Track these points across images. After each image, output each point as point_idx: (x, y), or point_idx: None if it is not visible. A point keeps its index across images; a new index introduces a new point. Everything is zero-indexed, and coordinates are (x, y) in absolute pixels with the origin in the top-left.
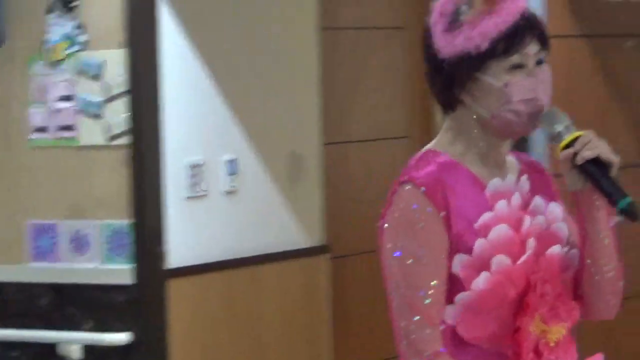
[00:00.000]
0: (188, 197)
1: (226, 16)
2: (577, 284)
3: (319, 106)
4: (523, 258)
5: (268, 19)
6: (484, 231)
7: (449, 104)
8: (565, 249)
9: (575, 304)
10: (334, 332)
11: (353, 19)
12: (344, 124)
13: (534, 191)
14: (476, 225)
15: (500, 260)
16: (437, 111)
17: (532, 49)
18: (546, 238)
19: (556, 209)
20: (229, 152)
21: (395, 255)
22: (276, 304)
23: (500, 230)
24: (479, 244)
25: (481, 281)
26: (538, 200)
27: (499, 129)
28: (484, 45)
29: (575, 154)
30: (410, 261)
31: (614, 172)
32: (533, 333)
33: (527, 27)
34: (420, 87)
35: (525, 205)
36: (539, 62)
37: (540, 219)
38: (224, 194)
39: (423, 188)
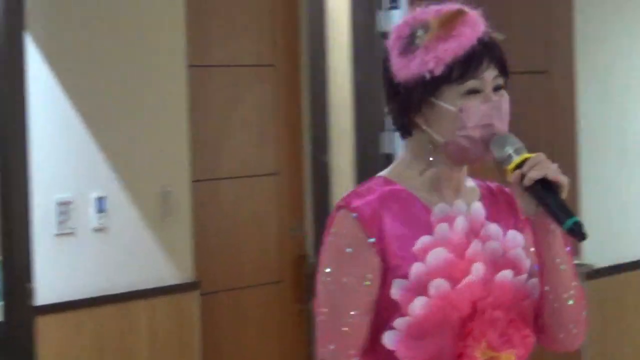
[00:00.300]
0: (56, 234)
1: (95, 54)
2: (539, 313)
3: (188, 143)
4: (464, 282)
5: (137, 57)
6: (422, 255)
7: (405, 129)
8: (523, 276)
9: (530, 332)
10: None
11: (222, 57)
12: (214, 161)
13: (492, 218)
14: (414, 249)
15: (439, 285)
16: (307, 147)
17: (489, 74)
18: (501, 264)
19: (516, 237)
20: (97, 190)
21: (322, 279)
22: (147, 340)
23: (438, 254)
24: (415, 268)
25: (418, 306)
26: (493, 227)
27: (453, 155)
28: (439, 69)
29: (523, 176)
30: (333, 287)
31: (564, 193)
32: (479, 359)
33: (484, 53)
34: (290, 123)
35: (475, 231)
36: (497, 88)
37: (493, 244)
38: (93, 231)
39: (355, 214)
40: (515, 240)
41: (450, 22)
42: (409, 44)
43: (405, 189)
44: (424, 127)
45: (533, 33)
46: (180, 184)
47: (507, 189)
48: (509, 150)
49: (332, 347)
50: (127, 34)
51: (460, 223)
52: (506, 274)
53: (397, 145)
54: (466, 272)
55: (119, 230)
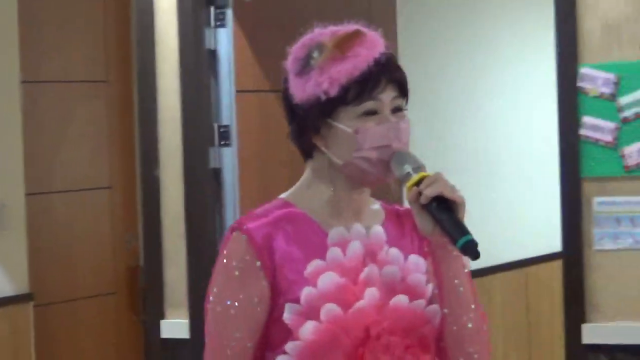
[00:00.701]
0: None
1: None
2: (440, 336)
3: (22, 158)
4: (355, 307)
5: None
6: (314, 279)
7: (305, 150)
8: (421, 302)
9: (430, 358)
10: None
11: (55, 72)
12: (48, 175)
13: (394, 241)
14: (306, 273)
15: (330, 309)
16: (138, 162)
17: (387, 95)
18: (399, 289)
19: (418, 261)
20: None
21: (210, 300)
22: None
23: (329, 278)
24: (306, 292)
25: (309, 330)
26: (393, 251)
27: (352, 176)
28: (333, 91)
29: (420, 194)
30: (219, 309)
31: (461, 212)
32: None
33: (381, 74)
34: (123, 138)
35: (372, 255)
36: (397, 110)
37: (391, 269)
38: None
39: (245, 236)
40: (417, 265)
41: (345, 43)
42: (305, 65)
43: (303, 212)
44: (323, 149)
45: None
46: (14, 197)
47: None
48: (408, 168)
49: None
50: None
51: (354, 247)
52: (401, 299)
53: (226, 160)
54: (359, 297)
55: None
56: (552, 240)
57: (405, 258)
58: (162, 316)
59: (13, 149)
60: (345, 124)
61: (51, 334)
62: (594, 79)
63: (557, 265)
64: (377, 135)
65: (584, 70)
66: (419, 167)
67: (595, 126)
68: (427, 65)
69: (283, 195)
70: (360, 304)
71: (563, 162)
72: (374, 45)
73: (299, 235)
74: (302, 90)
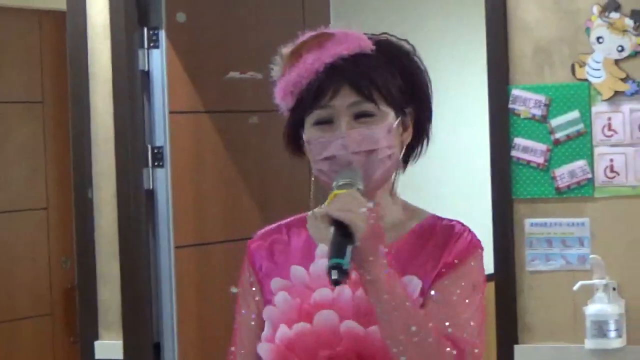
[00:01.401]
0: None
1: None
2: None
3: None
4: (296, 328)
5: None
6: (271, 296)
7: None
8: (375, 327)
9: None
10: None
11: None
12: None
13: (399, 262)
14: (272, 287)
15: (281, 330)
16: (72, 183)
17: (341, 101)
18: (370, 313)
19: (410, 283)
20: None
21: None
22: None
23: (282, 298)
24: (266, 310)
25: (264, 350)
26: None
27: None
28: (288, 102)
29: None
30: (235, 323)
31: (356, 233)
32: None
33: (330, 79)
34: (59, 159)
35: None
36: (362, 115)
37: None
38: None
39: (247, 252)
40: (409, 287)
41: (297, 51)
42: (274, 76)
43: (307, 228)
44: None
45: None
46: None
47: (458, 229)
48: (339, 182)
49: None
50: None
51: (317, 266)
52: (350, 324)
53: (159, 181)
54: (307, 319)
55: None
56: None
57: (402, 278)
58: (96, 337)
59: None
60: (305, 133)
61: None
62: (526, 100)
63: (490, 287)
64: (321, 146)
65: (515, 91)
66: (347, 184)
67: (527, 148)
68: None
69: (310, 212)
70: (299, 326)
71: (495, 183)
72: (334, 47)
73: (289, 250)
74: (277, 101)
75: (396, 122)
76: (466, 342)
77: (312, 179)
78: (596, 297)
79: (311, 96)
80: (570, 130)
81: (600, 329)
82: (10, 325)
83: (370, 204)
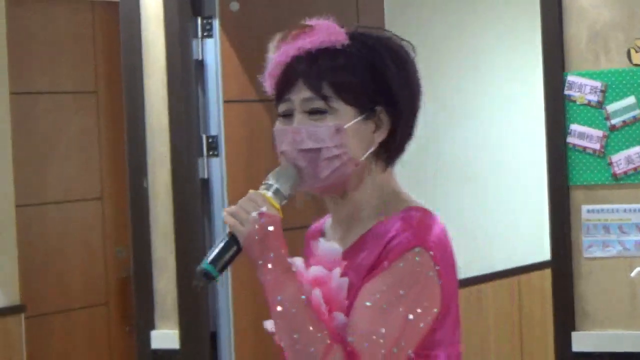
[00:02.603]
0: None
1: None
2: None
3: (11, 169)
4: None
5: None
6: None
7: None
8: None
9: None
10: None
11: (45, 84)
12: (39, 186)
13: (351, 259)
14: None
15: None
16: (127, 173)
17: (296, 95)
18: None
19: (341, 283)
20: None
21: None
22: None
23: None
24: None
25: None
26: (335, 275)
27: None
28: (269, 90)
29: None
30: None
31: (239, 238)
32: None
33: (291, 73)
34: (113, 149)
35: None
36: (313, 112)
37: (316, 291)
38: None
39: (306, 235)
40: (338, 288)
41: (279, 42)
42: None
43: (323, 222)
44: None
45: None
46: (4, 208)
47: (397, 228)
48: (266, 181)
49: None
50: None
51: (330, 251)
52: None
53: (214, 170)
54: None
55: None
56: (543, 248)
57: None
58: (152, 327)
59: (2, 161)
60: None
61: (43, 345)
62: (581, 86)
63: (549, 273)
64: (278, 139)
65: (571, 78)
66: (267, 185)
67: (583, 134)
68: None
69: None
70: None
71: (551, 170)
72: (308, 40)
73: (311, 244)
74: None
75: (354, 121)
76: (364, 352)
77: None
78: None
79: (277, 87)
80: (627, 116)
81: None
82: (65, 315)
83: (264, 208)
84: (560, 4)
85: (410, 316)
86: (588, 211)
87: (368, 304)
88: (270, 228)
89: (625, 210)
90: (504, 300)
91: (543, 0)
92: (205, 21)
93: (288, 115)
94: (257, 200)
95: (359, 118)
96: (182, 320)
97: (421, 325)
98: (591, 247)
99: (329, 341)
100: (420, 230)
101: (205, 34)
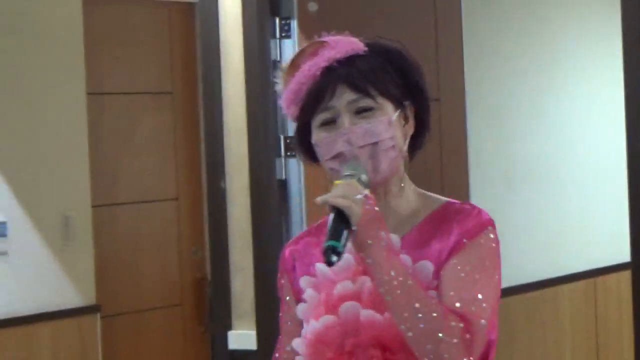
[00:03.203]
0: None
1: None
2: None
3: (88, 169)
4: (322, 321)
5: (37, 84)
6: (303, 294)
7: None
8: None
9: None
10: None
11: (121, 84)
12: (114, 187)
13: (415, 247)
14: (301, 285)
15: (311, 324)
16: (204, 173)
17: (340, 101)
18: (382, 301)
19: (424, 267)
20: None
21: None
22: None
23: (309, 294)
24: (299, 308)
25: (297, 344)
26: (402, 258)
27: None
28: (292, 111)
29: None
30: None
31: (352, 218)
32: None
33: (328, 81)
34: (189, 149)
35: (363, 267)
36: (362, 111)
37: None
38: None
39: (285, 251)
40: (423, 272)
41: (294, 63)
42: (278, 90)
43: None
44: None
45: (425, 63)
46: (80, 209)
47: (467, 209)
48: (345, 172)
49: None
50: (27, 62)
51: (343, 261)
52: (368, 313)
53: (292, 171)
54: (332, 311)
55: (20, 255)
56: (621, 250)
57: (416, 264)
58: (229, 327)
59: (79, 161)
60: (313, 136)
61: (118, 344)
62: None
63: (626, 275)
64: (328, 145)
65: None
66: (350, 175)
67: None
68: (492, 68)
69: None
70: (325, 318)
71: (631, 168)
72: (328, 53)
73: (317, 248)
74: (283, 109)
75: (396, 115)
76: (473, 314)
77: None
78: None
79: (312, 100)
80: None
81: None
82: (140, 315)
83: (367, 191)
84: None
85: (495, 283)
86: None
87: (462, 275)
88: (375, 210)
89: None
90: (579, 302)
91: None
92: (283, 22)
93: (330, 123)
94: (355, 185)
95: (398, 111)
96: (259, 321)
97: (499, 293)
98: None
99: (443, 306)
100: (484, 212)
101: (283, 34)
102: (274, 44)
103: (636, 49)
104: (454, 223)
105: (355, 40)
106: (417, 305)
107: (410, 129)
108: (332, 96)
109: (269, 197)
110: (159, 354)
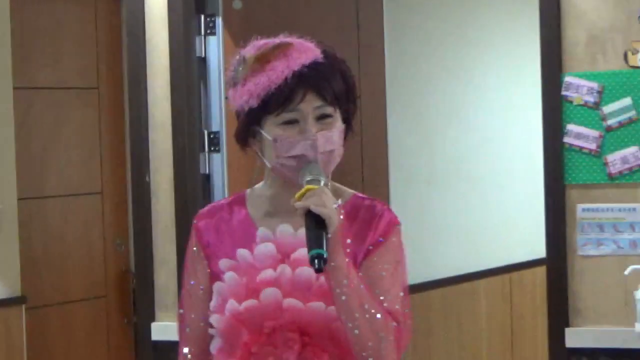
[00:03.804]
0: None
1: None
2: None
3: (14, 162)
4: (244, 305)
5: None
6: (222, 275)
7: (245, 150)
8: (318, 303)
9: (326, 355)
10: None
11: (48, 79)
12: (40, 180)
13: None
14: (220, 268)
15: (230, 304)
16: (129, 168)
17: (307, 105)
18: (314, 289)
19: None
20: None
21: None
22: None
23: (230, 276)
24: (216, 285)
25: (215, 320)
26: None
27: (283, 178)
28: (253, 103)
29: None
30: (182, 293)
31: (330, 227)
32: None
33: (299, 85)
34: (114, 144)
35: (286, 256)
36: (323, 117)
37: (303, 270)
38: None
39: (194, 229)
40: (336, 265)
41: (264, 57)
42: (234, 77)
43: (247, 208)
44: (257, 152)
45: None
46: (6, 201)
47: (379, 209)
48: (306, 179)
49: (182, 347)
50: None
51: (263, 248)
52: (291, 301)
53: (215, 166)
54: (254, 296)
55: None
56: (536, 246)
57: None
58: (152, 319)
59: (5, 154)
60: (268, 131)
61: (43, 335)
62: (579, 87)
63: (540, 271)
64: (292, 145)
65: (568, 79)
66: (314, 180)
67: (579, 134)
68: (413, 70)
69: (248, 189)
70: (248, 302)
71: (547, 169)
72: (297, 56)
73: (233, 229)
74: (233, 100)
75: (341, 123)
76: (399, 314)
77: (258, 164)
78: None
79: (282, 99)
80: (623, 117)
81: None
82: (65, 307)
83: (339, 201)
84: (559, 8)
85: (406, 277)
86: (583, 210)
87: (384, 274)
88: (342, 218)
89: (619, 210)
90: (496, 296)
91: (542, 3)
92: (208, 19)
93: (290, 123)
94: (329, 194)
95: (342, 119)
96: None
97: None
98: (586, 246)
99: (382, 307)
100: (390, 210)
101: (208, 31)
102: (199, 41)
103: (553, 52)
104: (370, 220)
105: (313, 45)
106: (366, 306)
107: (343, 133)
108: (301, 100)
109: (192, 191)
110: (84, 344)
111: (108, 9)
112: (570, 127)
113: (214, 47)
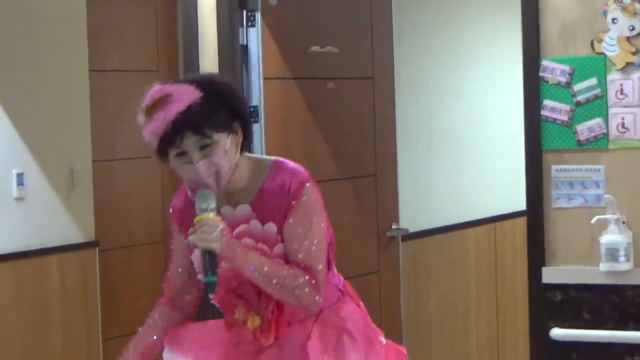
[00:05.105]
0: None
1: (13, 58)
2: None
3: (89, 132)
4: (221, 266)
5: (51, 62)
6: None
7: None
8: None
9: (270, 303)
10: (102, 308)
11: (116, 63)
12: (110, 146)
13: (260, 213)
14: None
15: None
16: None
17: (188, 143)
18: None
19: (270, 227)
20: (17, 167)
21: None
22: (58, 288)
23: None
24: (194, 255)
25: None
26: (254, 223)
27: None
28: (153, 143)
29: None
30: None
31: (216, 250)
32: (238, 319)
33: (176, 131)
34: None
35: (232, 228)
36: (204, 147)
37: (246, 240)
38: (14, 200)
39: (176, 206)
40: (270, 232)
41: (149, 110)
42: (140, 120)
43: (186, 192)
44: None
45: (363, 48)
46: (83, 163)
47: (285, 182)
48: (204, 205)
49: (164, 285)
50: (38, 44)
51: (240, 210)
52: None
53: (255, 135)
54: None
55: (34, 200)
56: (517, 201)
57: (261, 227)
58: None
59: (82, 125)
60: (171, 161)
61: (112, 273)
62: (553, 70)
63: (520, 221)
64: (185, 172)
65: (545, 62)
66: (204, 210)
67: (554, 108)
68: (417, 54)
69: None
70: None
71: (527, 136)
72: (174, 106)
73: (193, 210)
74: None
75: (229, 140)
76: (312, 263)
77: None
78: (609, 229)
79: (166, 143)
80: (589, 94)
81: (612, 255)
82: (130, 249)
83: (221, 225)
84: (537, 4)
85: (323, 225)
86: (557, 170)
87: (300, 230)
88: (228, 235)
89: (587, 170)
90: (482, 242)
91: (523, 2)
92: (249, 13)
93: (183, 154)
94: (211, 223)
95: (231, 136)
96: None
97: (329, 232)
98: (559, 199)
99: (292, 271)
100: (298, 172)
101: (249, 24)
102: (241, 32)
103: (532, 41)
104: (284, 188)
105: (191, 89)
106: (274, 281)
107: (240, 137)
108: (181, 140)
109: None
110: (145, 282)
111: (166, 6)
112: (546, 102)
113: (253, 37)
